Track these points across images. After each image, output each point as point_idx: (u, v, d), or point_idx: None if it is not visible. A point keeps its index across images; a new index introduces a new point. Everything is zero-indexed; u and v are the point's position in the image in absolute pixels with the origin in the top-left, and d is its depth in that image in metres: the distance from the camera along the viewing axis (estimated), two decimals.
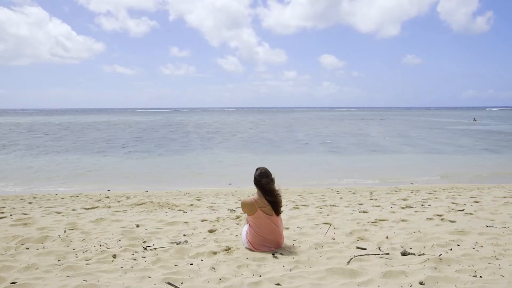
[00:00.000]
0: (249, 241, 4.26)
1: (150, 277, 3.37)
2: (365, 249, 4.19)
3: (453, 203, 7.45)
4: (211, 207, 7.75)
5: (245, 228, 4.43)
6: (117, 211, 7.14)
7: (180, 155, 20.49)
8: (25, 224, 5.60)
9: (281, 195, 4.30)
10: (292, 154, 21.09)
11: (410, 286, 3.04)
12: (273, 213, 4.21)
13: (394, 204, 7.52)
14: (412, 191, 9.92)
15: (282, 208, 4.31)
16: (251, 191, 10.03)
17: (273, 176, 4.29)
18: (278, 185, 4.32)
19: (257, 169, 4.29)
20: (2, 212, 6.83)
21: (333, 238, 4.67)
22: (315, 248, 4.27)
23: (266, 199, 4.17)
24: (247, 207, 4.21)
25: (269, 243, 4.21)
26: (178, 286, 3.02)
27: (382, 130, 39.23)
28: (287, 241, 4.57)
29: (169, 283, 3.05)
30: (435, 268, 3.40)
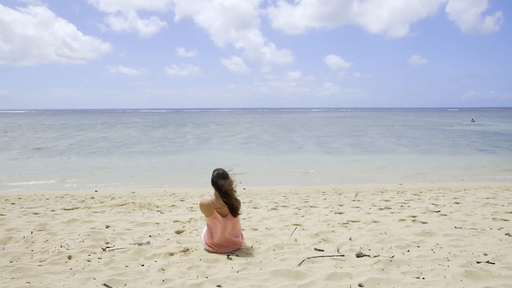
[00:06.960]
0: (206, 242, 4.24)
1: (95, 279, 3.36)
2: (322, 250, 4.16)
3: (433, 204, 7.37)
4: (191, 208, 7.74)
5: (204, 230, 4.41)
6: (95, 212, 7.15)
7: (180, 155, 20.54)
8: None
9: (238, 196, 4.28)
10: (288, 154, 21.06)
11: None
12: (230, 214, 4.18)
13: (374, 206, 7.45)
14: (398, 192, 9.84)
15: (241, 210, 4.28)
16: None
17: (232, 177, 4.25)
18: (237, 186, 4.29)
19: (214, 170, 4.26)
20: None
21: (296, 240, 4.64)
22: (274, 250, 4.24)
23: (223, 201, 4.15)
24: (204, 208, 4.19)
25: (226, 244, 4.18)
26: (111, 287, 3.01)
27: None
28: (249, 242, 4.54)
29: (105, 285, 3.04)
30: (383, 269, 3.35)
